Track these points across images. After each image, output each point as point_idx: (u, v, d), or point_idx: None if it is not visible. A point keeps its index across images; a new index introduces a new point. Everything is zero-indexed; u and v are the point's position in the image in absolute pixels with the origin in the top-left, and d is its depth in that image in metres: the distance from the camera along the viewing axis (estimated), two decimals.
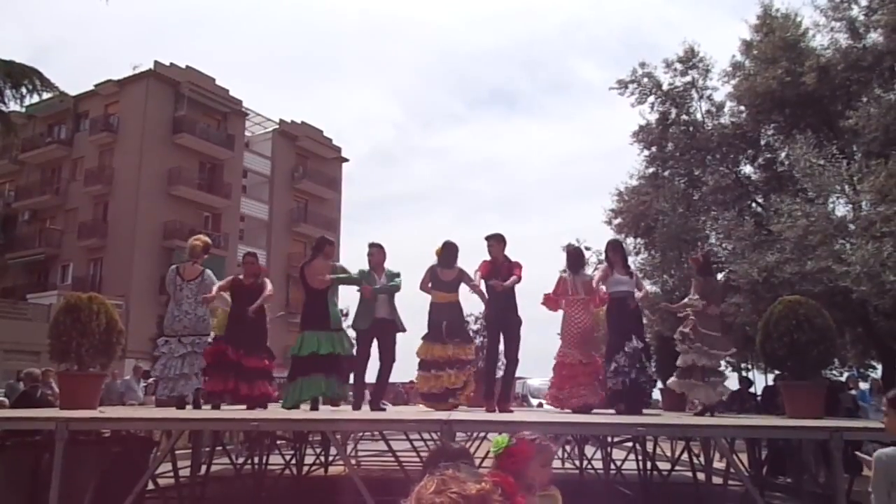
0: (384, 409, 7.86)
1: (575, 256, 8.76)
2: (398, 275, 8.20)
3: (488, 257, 8.06)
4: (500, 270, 7.86)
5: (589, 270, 9.80)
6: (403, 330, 8.19)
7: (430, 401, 8.20)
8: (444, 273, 8.23)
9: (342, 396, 8.77)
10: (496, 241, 8.00)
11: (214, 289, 8.12)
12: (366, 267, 8.19)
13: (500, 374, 8.69)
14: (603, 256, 9.81)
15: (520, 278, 7.91)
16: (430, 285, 8.28)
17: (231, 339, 8.31)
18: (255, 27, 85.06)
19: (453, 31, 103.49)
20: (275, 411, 8.03)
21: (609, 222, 21.26)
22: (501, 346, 8.12)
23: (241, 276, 8.78)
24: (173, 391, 7.92)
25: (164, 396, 8.42)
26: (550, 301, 8.47)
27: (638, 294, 8.10)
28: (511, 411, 7.62)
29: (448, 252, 8.27)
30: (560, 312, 8.49)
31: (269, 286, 8.76)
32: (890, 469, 3.28)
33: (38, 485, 6.29)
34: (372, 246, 8.23)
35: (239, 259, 33.53)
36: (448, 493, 1.38)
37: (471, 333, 9.74)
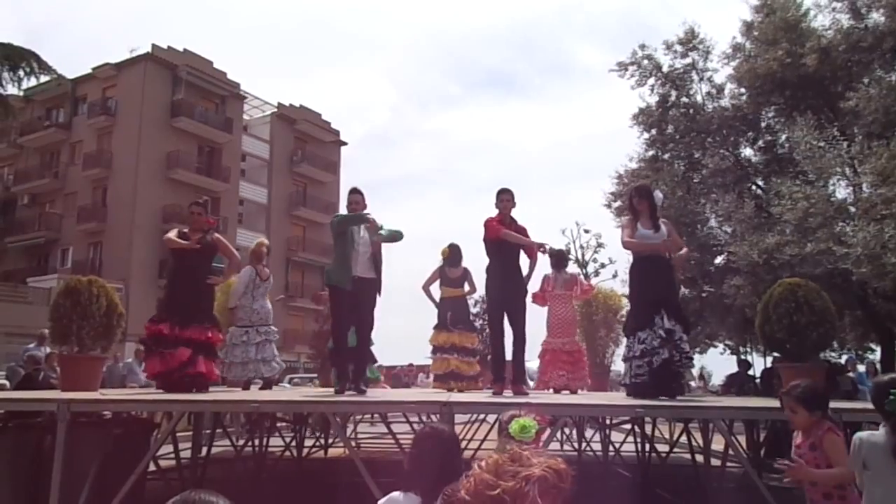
0: (364, 391, 6.87)
1: (558, 257, 9.57)
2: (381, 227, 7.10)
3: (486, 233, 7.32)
4: (508, 229, 7.16)
5: (570, 268, 10.37)
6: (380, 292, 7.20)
7: (440, 381, 9.65)
8: (451, 271, 9.63)
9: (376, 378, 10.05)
10: (509, 197, 7.24)
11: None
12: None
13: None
14: (603, 238, 9.65)
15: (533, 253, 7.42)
16: (437, 283, 9.68)
17: (171, 308, 7.17)
18: (251, 10, 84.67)
19: (448, 12, 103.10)
20: (276, 393, 8.07)
21: (608, 205, 21.30)
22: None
23: (185, 231, 7.50)
24: (251, 373, 8.95)
25: (242, 378, 9.04)
26: (538, 298, 9.22)
27: (676, 253, 7.02)
28: (526, 393, 6.98)
29: (455, 253, 9.64)
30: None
31: (231, 249, 7.71)
32: (862, 450, 3.42)
33: (40, 466, 6.32)
34: (357, 192, 7.19)
35: (239, 243, 33.69)
36: (542, 467, 1.41)
37: (474, 324, 10.45)
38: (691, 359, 6.75)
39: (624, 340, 10.76)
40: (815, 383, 4.11)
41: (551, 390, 9.09)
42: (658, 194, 7.17)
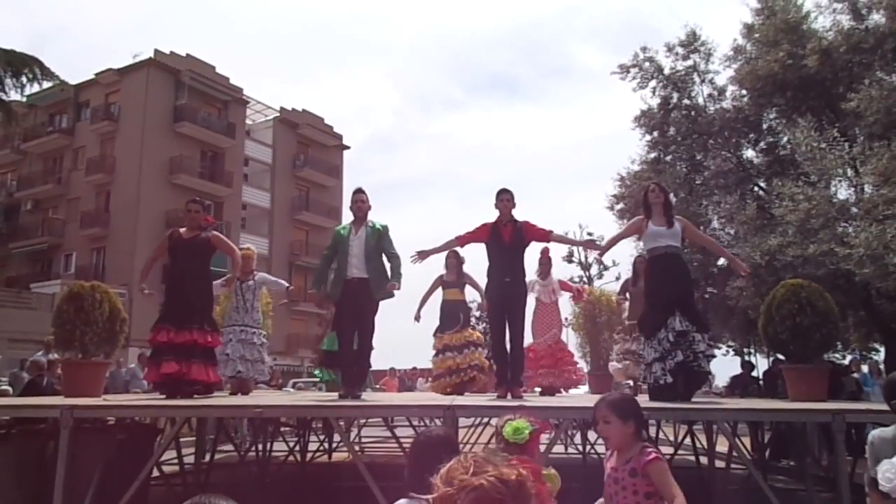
0: (358, 396, 6.74)
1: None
2: (386, 230, 7.02)
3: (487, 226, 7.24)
4: (502, 233, 7.06)
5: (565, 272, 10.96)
6: (386, 296, 6.91)
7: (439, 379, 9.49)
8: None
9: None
10: (508, 198, 7.14)
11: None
12: (344, 223, 7.37)
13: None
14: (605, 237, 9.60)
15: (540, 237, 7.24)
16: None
17: (168, 312, 7.04)
18: (253, 14, 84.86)
19: (450, 16, 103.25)
20: (279, 398, 8.07)
21: (611, 207, 21.31)
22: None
23: (181, 230, 7.39)
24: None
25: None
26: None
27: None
28: (521, 396, 7.08)
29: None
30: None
31: (230, 245, 7.50)
32: (875, 448, 3.48)
33: (43, 472, 6.32)
34: (361, 192, 7.12)
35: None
36: (486, 476, 1.32)
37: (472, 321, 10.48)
38: (711, 356, 6.59)
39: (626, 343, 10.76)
40: (631, 395, 3.78)
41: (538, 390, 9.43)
42: (671, 197, 7.13)
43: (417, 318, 9.57)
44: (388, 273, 6.88)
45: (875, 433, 3.61)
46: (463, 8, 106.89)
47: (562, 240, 7.38)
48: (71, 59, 69.16)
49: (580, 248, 32.63)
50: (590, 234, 32.39)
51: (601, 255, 7.67)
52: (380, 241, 6.93)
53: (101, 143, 38.48)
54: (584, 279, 31.64)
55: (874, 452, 3.50)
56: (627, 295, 10.07)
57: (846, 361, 16.73)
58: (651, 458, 3.24)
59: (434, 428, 3.12)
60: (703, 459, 9.98)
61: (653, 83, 20.15)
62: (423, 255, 7.20)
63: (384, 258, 6.97)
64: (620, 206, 20.57)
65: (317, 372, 11.16)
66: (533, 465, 2.81)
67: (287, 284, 9.86)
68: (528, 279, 7.75)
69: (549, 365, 9.34)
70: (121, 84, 38.65)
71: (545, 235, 7.24)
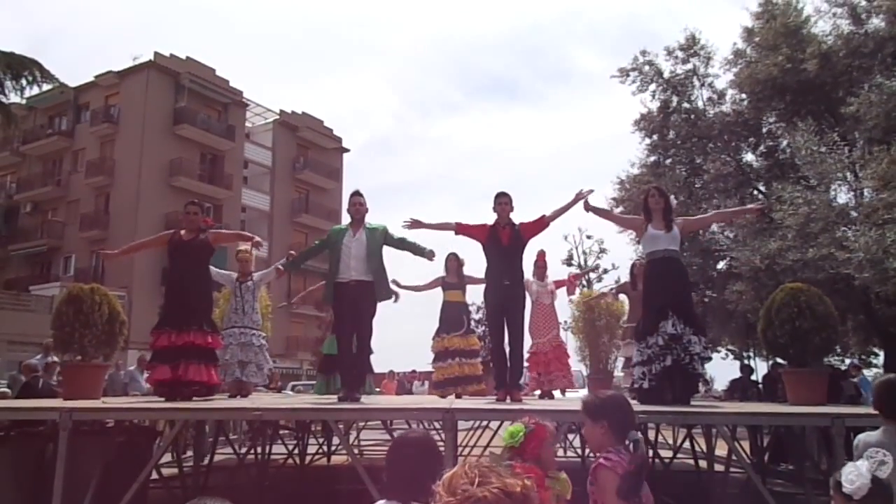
0: (357, 399, 6.75)
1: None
2: (386, 229, 7.03)
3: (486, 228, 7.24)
4: (500, 236, 7.07)
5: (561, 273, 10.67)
6: (387, 296, 7.02)
7: (438, 388, 9.41)
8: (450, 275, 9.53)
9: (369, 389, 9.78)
10: (506, 201, 7.16)
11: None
12: (342, 224, 7.36)
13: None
14: (605, 244, 9.49)
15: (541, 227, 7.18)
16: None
17: (168, 314, 7.07)
18: (253, 17, 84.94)
19: (450, 19, 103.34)
20: (278, 400, 8.07)
21: (611, 211, 21.30)
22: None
23: (181, 232, 7.34)
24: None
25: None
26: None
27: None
28: (520, 399, 7.08)
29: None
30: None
31: (237, 232, 7.69)
32: (859, 452, 3.55)
33: (42, 475, 6.32)
34: (358, 195, 7.10)
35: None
36: (490, 487, 1.29)
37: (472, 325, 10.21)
38: (707, 359, 6.53)
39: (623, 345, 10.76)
40: (608, 393, 3.13)
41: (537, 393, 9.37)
42: (672, 199, 7.11)
43: (398, 284, 9.09)
44: (419, 251, 7.02)
45: (861, 437, 3.61)
46: (462, 11, 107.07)
47: (558, 214, 7.22)
48: (70, 62, 69.32)
49: (578, 251, 32.72)
50: (589, 237, 32.52)
51: (589, 207, 7.00)
52: (385, 240, 6.96)
53: (100, 145, 38.49)
54: (584, 282, 31.66)
55: (858, 457, 3.50)
56: (622, 296, 10.06)
57: (845, 365, 16.74)
58: (596, 462, 2.83)
59: (412, 430, 3.12)
60: (703, 463, 9.98)
61: (652, 87, 20.21)
62: (416, 223, 7.17)
63: (384, 258, 6.98)
64: (620, 209, 20.58)
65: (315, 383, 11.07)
66: (537, 472, 2.82)
67: (281, 262, 9.11)
68: (525, 280, 7.78)
69: (560, 367, 9.33)
70: (120, 86, 38.66)
71: (542, 223, 7.18)
